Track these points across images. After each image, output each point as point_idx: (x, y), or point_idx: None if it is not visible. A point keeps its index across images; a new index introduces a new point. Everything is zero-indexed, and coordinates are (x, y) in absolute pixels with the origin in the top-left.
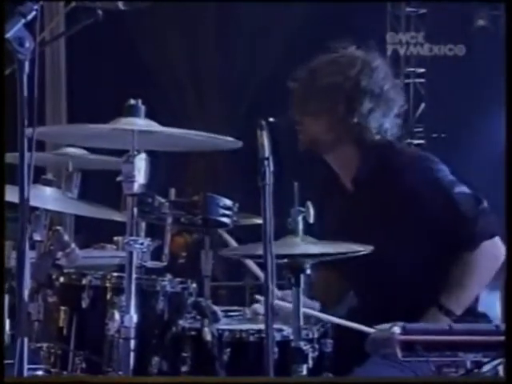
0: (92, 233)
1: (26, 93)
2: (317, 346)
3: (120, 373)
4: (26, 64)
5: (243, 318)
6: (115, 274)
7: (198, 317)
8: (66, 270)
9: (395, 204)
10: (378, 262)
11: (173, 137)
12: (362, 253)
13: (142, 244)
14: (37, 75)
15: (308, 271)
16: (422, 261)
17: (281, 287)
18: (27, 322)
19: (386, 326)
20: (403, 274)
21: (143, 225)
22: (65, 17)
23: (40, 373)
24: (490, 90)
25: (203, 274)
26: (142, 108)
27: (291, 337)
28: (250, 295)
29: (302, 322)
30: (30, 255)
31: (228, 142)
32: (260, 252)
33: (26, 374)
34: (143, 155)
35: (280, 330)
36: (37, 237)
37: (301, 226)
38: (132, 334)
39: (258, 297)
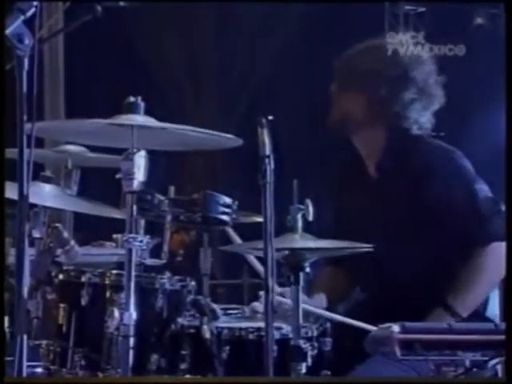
0: (91, 230)
1: (25, 89)
2: (316, 345)
3: (119, 370)
4: (25, 60)
5: (242, 316)
6: (114, 272)
7: (197, 315)
8: (65, 267)
9: (416, 193)
10: (386, 257)
11: (173, 135)
12: (362, 250)
13: (141, 241)
14: (35, 72)
15: (307, 269)
16: (431, 258)
17: (281, 285)
18: (26, 319)
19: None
20: (411, 271)
21: (142, 222)
22: (63, 13)
23: (39, 370)
24: (489, 90)
25: (202, 272)
26: (142, 105)
27: (290, 335)
28: (250, 293)
29: (301, 321)
30: (29, 252)
31: (229, 139)
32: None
33: (25, 371)
34: (143, 152)
35: (279, 328)
36: (36, 234)
37: (300, 223)
38: (131, 331)
39: (261, 293)
